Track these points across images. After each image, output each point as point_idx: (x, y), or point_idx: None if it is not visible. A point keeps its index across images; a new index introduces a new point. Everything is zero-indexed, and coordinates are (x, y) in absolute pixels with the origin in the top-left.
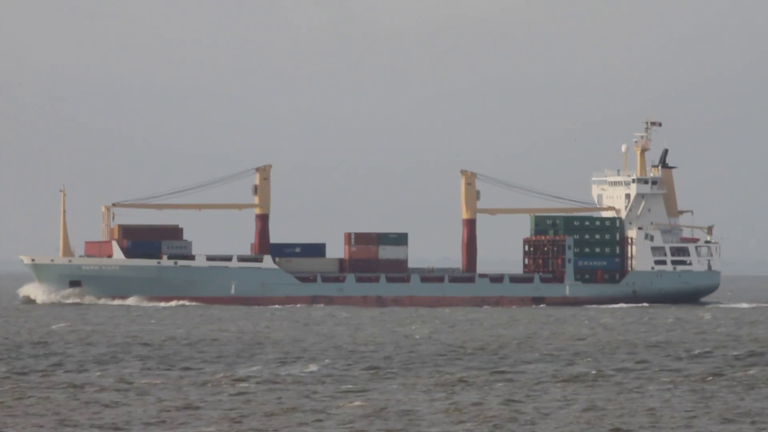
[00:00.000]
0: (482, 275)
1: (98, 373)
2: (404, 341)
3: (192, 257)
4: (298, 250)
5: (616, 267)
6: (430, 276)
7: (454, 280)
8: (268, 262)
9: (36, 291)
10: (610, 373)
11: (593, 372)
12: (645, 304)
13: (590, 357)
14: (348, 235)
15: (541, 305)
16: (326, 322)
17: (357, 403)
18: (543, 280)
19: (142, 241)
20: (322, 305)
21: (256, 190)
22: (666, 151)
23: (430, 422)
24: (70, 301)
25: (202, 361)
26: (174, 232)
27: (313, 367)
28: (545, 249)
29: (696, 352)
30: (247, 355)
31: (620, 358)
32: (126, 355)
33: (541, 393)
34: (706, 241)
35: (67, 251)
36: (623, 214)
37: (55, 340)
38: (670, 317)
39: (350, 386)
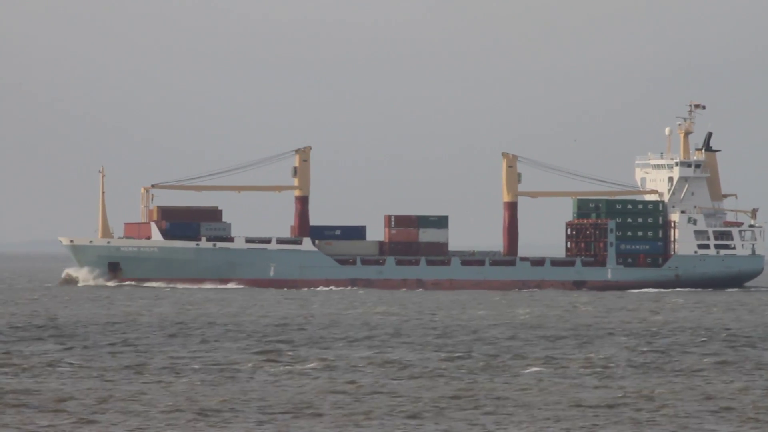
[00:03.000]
0: (523, 258)
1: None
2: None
3: (231, 239)
4: (337, 232)
5: (659, 251)
6: (471, 259)
7: (495, 263)
8: (307, 244)
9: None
10: None
11: None
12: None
13: None
14: (388, 218)
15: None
16: (517, 306)
17: None
18: (585, 264)
19: (181, 222)
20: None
21: (295, 172)
22: (710, 134)
23: None
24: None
25: (533, 345)
26: (213, 214)
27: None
28: (587, 232)
29: None
30: (545, 343)
31: None
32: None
33: None
34: (750, 225)
35: (106, 233)
36: (666, 198)
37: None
38: None
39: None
